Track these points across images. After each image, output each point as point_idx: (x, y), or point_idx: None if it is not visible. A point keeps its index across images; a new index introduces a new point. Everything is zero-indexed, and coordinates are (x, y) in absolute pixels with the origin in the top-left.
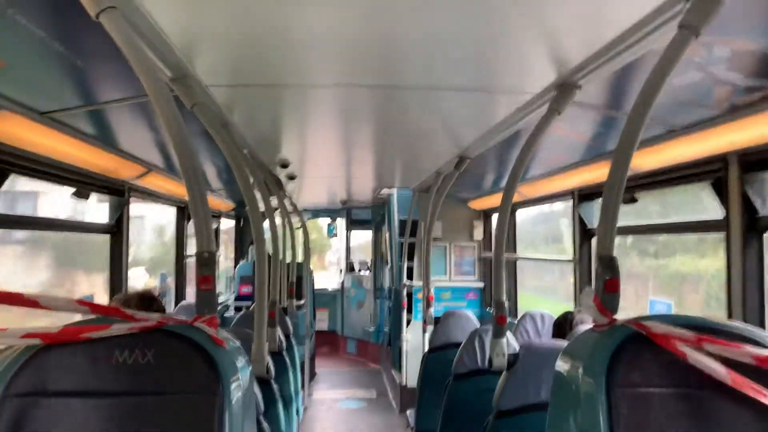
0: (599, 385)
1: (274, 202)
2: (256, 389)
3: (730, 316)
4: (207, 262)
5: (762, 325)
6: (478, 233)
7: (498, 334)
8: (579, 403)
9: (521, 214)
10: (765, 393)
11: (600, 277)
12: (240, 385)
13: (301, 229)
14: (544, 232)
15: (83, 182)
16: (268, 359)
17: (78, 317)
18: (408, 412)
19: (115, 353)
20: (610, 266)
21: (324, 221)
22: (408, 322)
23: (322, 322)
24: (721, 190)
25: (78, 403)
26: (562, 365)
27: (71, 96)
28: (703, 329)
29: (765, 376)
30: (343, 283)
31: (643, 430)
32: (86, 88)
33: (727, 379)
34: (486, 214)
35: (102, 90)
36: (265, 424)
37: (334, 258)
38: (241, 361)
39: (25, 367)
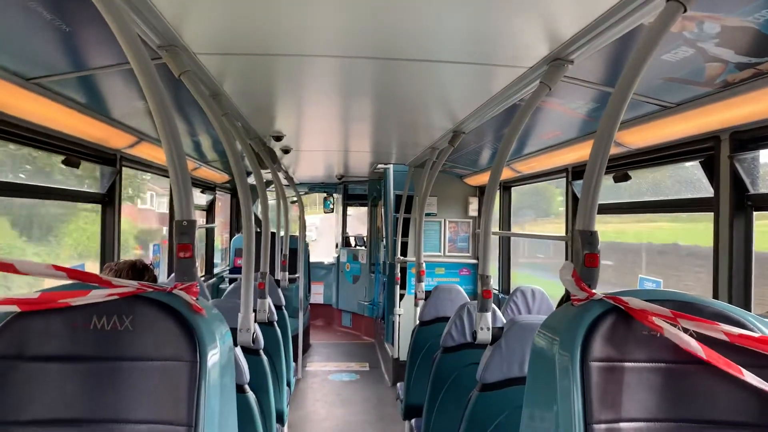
0: (574, 358)
1: (269, 175)
2: (243, 359)
3: (716, 293)
4: (186, 231)
5: (747, 302)
6: (474, 209)
7: (483, 308)
8: (554, 377)
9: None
10: (737, 368)
11: (579, 252)
12: (219, 353)
13: (297, 202)
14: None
15: (73, 150)
16: (256, 329)
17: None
18: (398, 384)
19: (93, 319)
20: (590, 241)
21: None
22: (401, 297)
23: (318, 295)
24: (711, 169)
25: (55, 367)
26: (539, 339)
27: (58, 62)
28: (681, 305)
29: (739, 352)
30: (339, 257)
31: (617, 403)
32: (74, 54)
33: (701, 354)
34: (482, 191)
35: (91, 56)
36: (250, 394)
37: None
38: (221, 330)
39: (3, 331)
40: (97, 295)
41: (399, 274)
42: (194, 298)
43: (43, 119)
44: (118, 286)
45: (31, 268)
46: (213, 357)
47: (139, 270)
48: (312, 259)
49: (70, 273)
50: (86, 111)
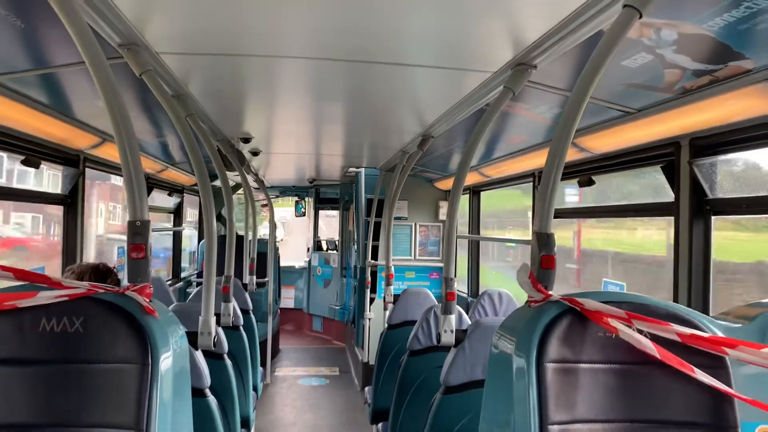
0: (530, 359)
1: (237, 178)
2: (204, 363)
3: (676, 297)
4: (139, 231)
5: (705, 306)
6: (444, 213)
7: (447, 310)
8: (511, 378)
9: None
10: (690, 367)
11: (536, 254)
12: (172, 356)
13: (267, 205)
14: None
15: (33, 151)
16: (219, 332)
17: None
18: (366, 388)
19: (42, 321)
20: (546, 243)
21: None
22: (372, 301)
23: (288, 300)
24: (672, 174)
25: (1, 371)
26: (497, 340)
27: (16, 59)
28: (636, 307)
29: (692, 354)
30: (310, 261)
31: (572, 404)
32: (32, 51)
33: (655, 353)
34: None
35: (50, 53)
36: (211, 399)
37: None
38: (175, 332)
39: None
40: (45, 297)
41: (369, 278)
42: (147, 300)
43: (1, 118)
44: (68, 287)
45: None
46: (166, 360)
47: (102, 273)
48: (283, 263)
49: (17, 273)
50: (47, 110)
